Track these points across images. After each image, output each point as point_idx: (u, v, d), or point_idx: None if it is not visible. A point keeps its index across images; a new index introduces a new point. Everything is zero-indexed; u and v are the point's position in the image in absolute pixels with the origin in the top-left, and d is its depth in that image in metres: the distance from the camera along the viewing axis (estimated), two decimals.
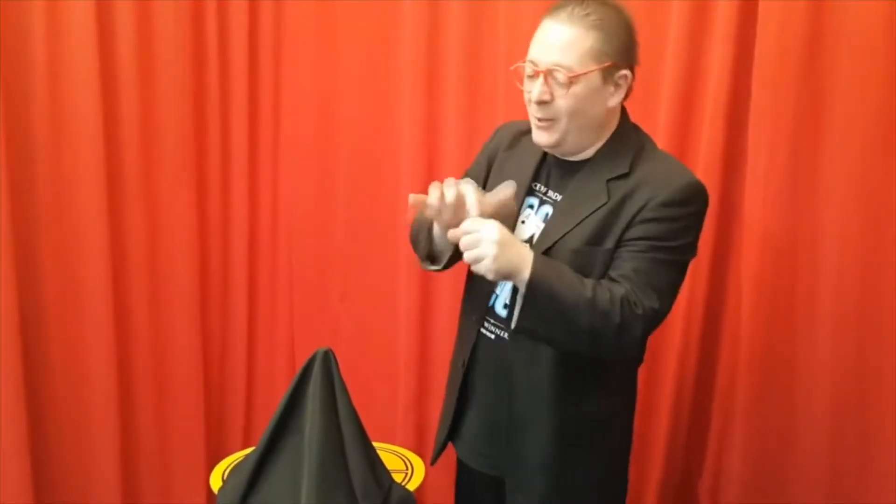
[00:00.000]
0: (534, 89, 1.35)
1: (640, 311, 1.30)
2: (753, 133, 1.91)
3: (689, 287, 2.03)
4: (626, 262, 1.33)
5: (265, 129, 2.51)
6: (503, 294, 1.46)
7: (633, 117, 2.09)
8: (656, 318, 1.36)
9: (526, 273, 1.26)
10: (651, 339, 2.10)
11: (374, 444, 1.66)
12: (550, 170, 1.47)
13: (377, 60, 2.38)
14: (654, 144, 1.49)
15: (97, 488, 2.31)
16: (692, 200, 1.38)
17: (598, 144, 1.42)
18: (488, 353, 1.48)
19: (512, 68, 1.42)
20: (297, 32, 2.46)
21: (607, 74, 1.35)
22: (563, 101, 1.34)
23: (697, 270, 2.03)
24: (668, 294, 1.37)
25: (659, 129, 2.05)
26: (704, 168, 1.99)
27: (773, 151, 1.89)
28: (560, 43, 1.32)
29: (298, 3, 2.44)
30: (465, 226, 1.27)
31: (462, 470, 1.63)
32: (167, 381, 2.42)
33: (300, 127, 2.51)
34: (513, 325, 1.32)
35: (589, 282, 1.31)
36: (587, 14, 1.32)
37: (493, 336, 1.48)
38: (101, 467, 2.30)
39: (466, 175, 1.62)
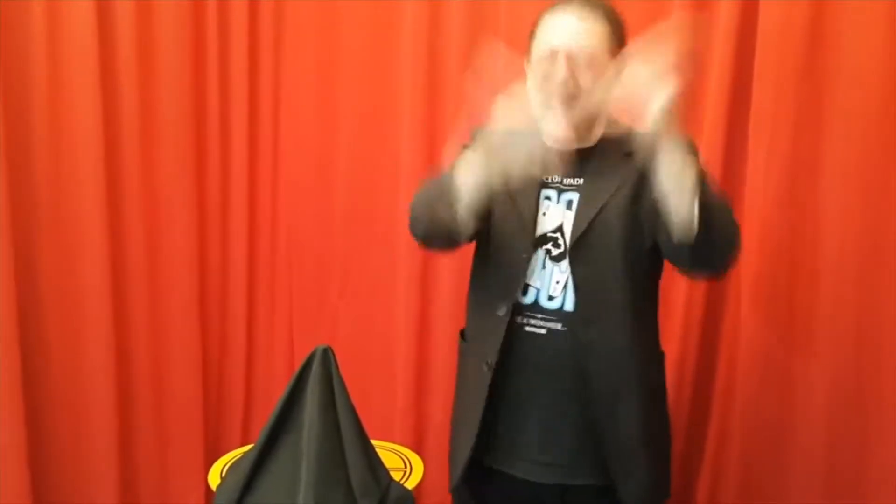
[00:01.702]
0: (558, 68, 1.38)
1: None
2: (754, 132, 1.91)
3: (687, 287, 2.03)
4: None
5: (265, 128, 2.51)
6: (544, 287, 1.44)
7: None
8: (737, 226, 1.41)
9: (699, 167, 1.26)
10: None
11: (373, 441, 1.66)
12: (559, 160, 1.46)
13: (377, 60, 2.38)
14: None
15: (95, 486, 2.31)
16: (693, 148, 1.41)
17: (600, 132, 1.48)
18: (539, 347, 1.44)
19: (533, 59, 1.43)
20: (298, 31, 2.46)
21: (616, 64, 1.40)
22: (584, 80, 1.38)
23: None
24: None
25: None
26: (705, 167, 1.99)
27: (773, 151, 1.89)
28: (581, 30, 1.38)
29: (299, 2, 2.44)
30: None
31: (507, 485, 1.50)
32: (166, 379, 2.42)
33: (300, 125, 2.51)
34: (696, 201, 1.23)
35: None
36: (595, 9, 1.41)
37: (544, 331, 1.44)
38: (99, 465, 2.30)
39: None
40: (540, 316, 1.45)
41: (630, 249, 1.40)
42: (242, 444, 2.41)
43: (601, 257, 1.40)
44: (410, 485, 1.52)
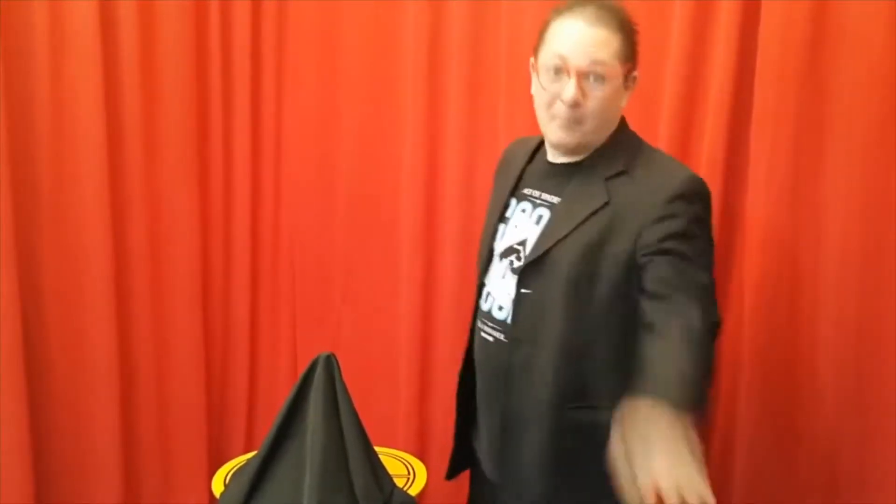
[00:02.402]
0: (566, 89, 1.34)
1: (696, 326, 1.25)
2: (756, 134, 1.90)
3: None
4: (659, 268, 1.29)
5: (267, 131, 2.51)
6: (499, 297, 1.45)
7: (635, 118, 2.09)
8: (712, 324, 1.31)
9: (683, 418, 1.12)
10: None
11: (376, 448, 1.65)
12: (542, 173, 1.47)
13: (379, 61, 2.38)
14: (649, 145, 1.50)
15: (98, 491, 2.30)
16: (696, 196, 1.36)
17: (599, 142, 1.42)
18: (487, 354, 1.48)
19: (541, 64, 1.39)
20: (300, 33, 2.45)
21: (627, 74, 1.38)
22: (593, 102, 1.35)
23: None
24: (710, 280, 1.35)
25: (661, 130, 2.04)
26: (706, 169, 1.98)
27: (775, 153, 1.88)
28: (595, 43, 1.32)
29: (301, 3, 2.43)
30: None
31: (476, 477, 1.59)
32: (169, 384, 2.41)
33: (302, 128, 2.50)
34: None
35: (667, 344, 1.23)
36: (609, 16, 1.34)
37: (491, 339, 1.46)
38: (102, 470, 2.29)
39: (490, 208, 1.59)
40: (490, 324, 1.46)
41: (576, 287, 1.34)
42: (246, 450, 2.40)
43: (546, 285, 1.37)
44: (414, 491, 1.52)
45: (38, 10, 2.07)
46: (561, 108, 1.36)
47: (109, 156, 2.19)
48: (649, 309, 1.27)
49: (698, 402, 1.17)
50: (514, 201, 1.48)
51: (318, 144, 2.50)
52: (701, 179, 1.41)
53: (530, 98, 2.18)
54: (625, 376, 1.31)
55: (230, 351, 2.57)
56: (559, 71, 1.35)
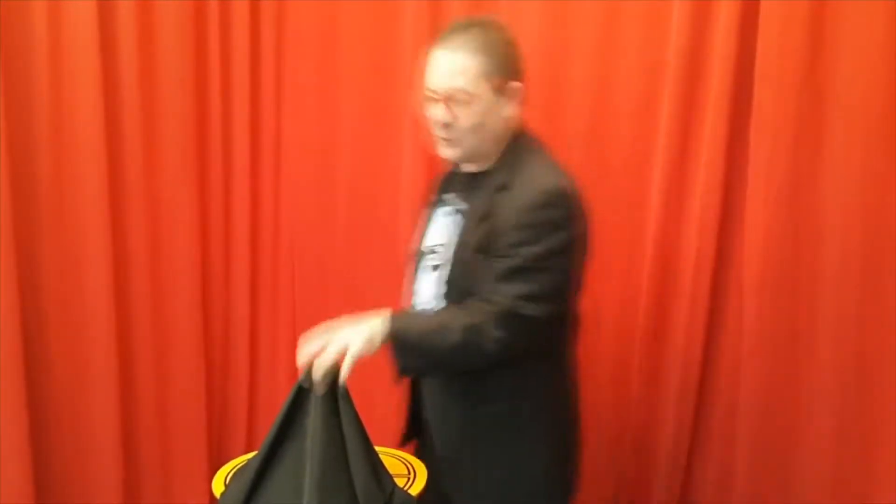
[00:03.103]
0: (437, 113, 1.48)
1: (497, 307, 1.40)
2: (755, 136, 1.91)
3: (690, 291, 2.03)
4: (495, 268, 1.44)
5: (267, 130, 2.50)
6: (424, 295, 1.60)
7: (634, 121, 2.10)
8: (524, 321, 1.41)
9: (383, 327, 1.39)
10: (653, 344, 2.12)
11: (377, 448, 1.65)
12: (457, 180, 1.60)
13: (379, 60, 2.38)
14: (540, 150, 1.57)
15: (98, 492, 2.30)
16: (552, 205, 1.44)
17: (497, 152, 1.53)
18: None
19: (420, 100, 1.52)
20: (299, 32, 2.45)
21: (498, 89, 1.48)
22: (463, 120, 1.47)
23: (699, 274, 2.02)
24: (545, 295, 1.43)
25: (660, 131, 2.05)
26: (706, 171, 1.99)
27: (774, 153, 1.88)
28: (453, 69, 1.45)
29: (300, 3, 2.43)
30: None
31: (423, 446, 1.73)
32: (169, 385, 2.41)
33: (302, 127, 2.50)
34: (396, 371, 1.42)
35: (445, 312, 1.46)
36: (471, 39, 1.45)
37: None
38: (102, 471, 2.30)
39: None
40: None
41: (473, 284, 1.47)
42: (246, 451, 2.40)
43: (458, 287, 1.50)
44: (414, 491, 1.51)
45: (37, 11, 2.07)
46: (438, 129, 1.50)
47: (109, 157, 2.19)
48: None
49: (406, 341, 1.39)
50: (437, 206, 1.63)
51: (318, 145, 2.50)
52: (561, 190, 1.47)
53: (527, 98, 2.19)
54: (527, 370, 1.54)
55: (230, 351, 2.56)
56: (431, 99, 1.49)
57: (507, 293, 1.41)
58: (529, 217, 1.43)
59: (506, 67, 1.49)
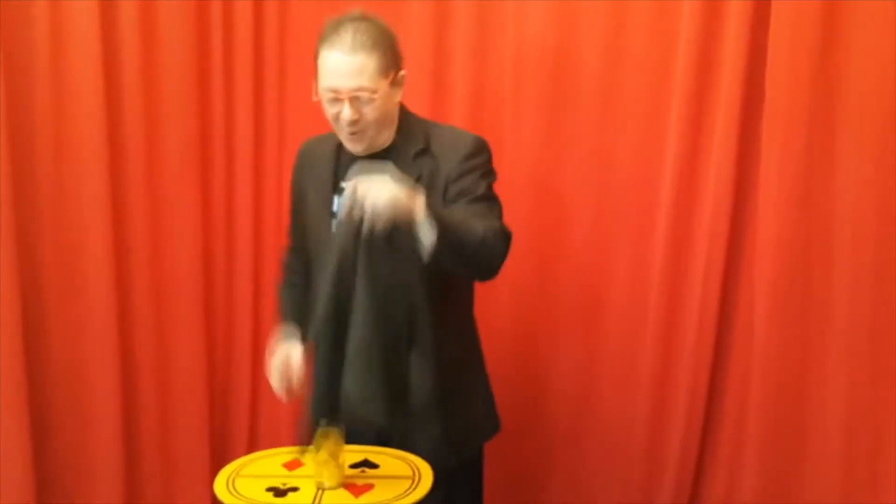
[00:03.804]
0: (342, 112, 1.57)
1: (494, 225, 1.55)
2: (767, 134, 1.89)
3: (701, 289, 2.02)
4: (464, 209, 1.57)
5: (270, 129, 2.49)
6: None
7: (644, 120, 2.09)
8: (508, 240, 1.58)
9: (421, 206, 1.40)
10: (663, 342, 2.11)
11: (379, 449, 1.64)
12: (353, 165, 1.62)
13: None
14: (432, 122, 1.75)
15: (100, 491, 2.30)
16: (481, 151, 1.65)
17: (391, 133, 1.65)
18: None
19: (319, 93, 1.59)
20: (302, 31, 2.43)
21: (392, 81, 1.60)
22: (369, 115, 1.57)
23: (709, 275, 2.01)
24: (501, 220, 1.62)
25: (670, 130, 2.04)
26: (717, 170, 1.97)
27: (786, 152, 1.87)
28: (353, 70, 1.54)
29: (303, 2, 2.42)
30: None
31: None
32: (171, 384, 2.40)
33: (304, 124, 2.48)
34: (429, 247, 1.41)
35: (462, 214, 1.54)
36: (365, 38, 1.55)
37: None
38: (104, 471, 2.29)
39: (292, 218, 1.85)
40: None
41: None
42: (249, 450, 2.39)
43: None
44: (420, 493, 1.50)
45: (39, 9, 2.06)
46: (343, 125, 1.59)
47: (110, 155, 2.18)
48: None
49: (439, 219, 1.41)
50: (335, 197, 1.68)
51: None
52: (481, 137, 1.67)
53: (535, 97, 2.19)
54: (463, 311, 1.77)
55: (232, 350, 2.55)
56: (334, 99, 1.57)
57: (486, 216, 1.56)
58: (471, 163, 1.62)
59: (395, 59, 1.61)
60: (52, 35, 2.08)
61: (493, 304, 2.10)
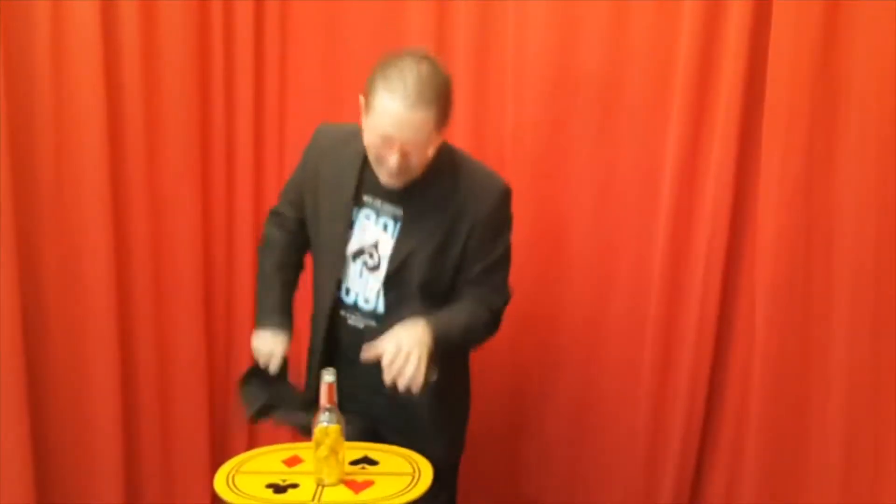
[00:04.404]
0: (389, 159, 1.55)
1: (498, 305, 1.71)
2: (767, 134, 1.89)
3: (702, 289, 2.02)
4: (473, 271, 1.67)
5: (270, 127, 2.49)
6: (361, 292, 1.72)
7: (644, 120, 2.09)
8: (506, 303, 1.73)
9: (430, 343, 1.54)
10: (664, 343, 2.11)
11: (381, 446, 1.65)
12: (374, 183, 1.66)
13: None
14: (457, 151, 1.73)
15: (100, 491, 2.29)
16: (506, 203, 1.70)
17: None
18: (360, 338, 1.66)
19: (368, 126, 1.57)
20: (303, 30, 2.44)
21: (442, 131, 1.59)
22: (414, 162, 1.57)
23: (709, 275, 2.01)
24: (506, 285, 1.75)
25: (671, 130, 2.04)
26: (717, 170, 1.98)
27: (787, 152, 1.87)
28: (412, 125, 1.51)
29: (304, 2, 2.42)
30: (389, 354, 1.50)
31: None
32: (171, 382, 2.40)
33: (305, 124, 2.48)
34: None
35: (462, 311, 1.65)
36: (425, 89, 1.51)
37: (361, 325, 1.73)
38: (104, 469, 2.29)
39: (291, 181, 1.89)
40: (357, 314, 1.74)
41: (429, 285, 1.66)
42: (248, 448, 2.39)
43: (406, 285, 1.67)
44: (419, 491, 1.50)
45: (40, 9, 2.06)
46: (389, 169, 1.57)
47: (111, 153, 2.18)
48: (466, 289, 1.68)
49: (448, 342, 1.58)
50: (356, 209, 1.70)
51: None
52: (506, 187, 1.70)
53: (536, 98, 2.19)
54: None
55: (232, 349, 2.55)
56: (383, 143, 1.55)
57: (494, 290, 1.70)
58: (496, 218, 1.67)
59: (449, 111, 1.59)
60: (52, 36, 2.08)
61: None
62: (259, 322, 1.81)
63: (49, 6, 2.06)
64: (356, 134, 1.65)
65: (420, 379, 1.50)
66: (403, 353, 1.50)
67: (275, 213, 1.93)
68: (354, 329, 1.75)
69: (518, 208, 2.09)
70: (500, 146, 2.23)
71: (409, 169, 1.58)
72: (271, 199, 2.52)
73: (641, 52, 2.07)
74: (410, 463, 1.60)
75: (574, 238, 2.22)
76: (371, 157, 1.62)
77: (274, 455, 1.66)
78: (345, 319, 1.76)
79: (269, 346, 1.78)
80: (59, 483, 2.27)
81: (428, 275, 1.66)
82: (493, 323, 1.71)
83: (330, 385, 1.50)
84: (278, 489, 1.51)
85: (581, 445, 2.32)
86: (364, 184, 1.69)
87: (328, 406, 1.50)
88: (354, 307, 1.75)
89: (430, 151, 1.58)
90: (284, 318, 1.81)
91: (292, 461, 1.63)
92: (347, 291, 1.75)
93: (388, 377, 1.50)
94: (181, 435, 2.43)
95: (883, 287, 1.81)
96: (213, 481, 1.55)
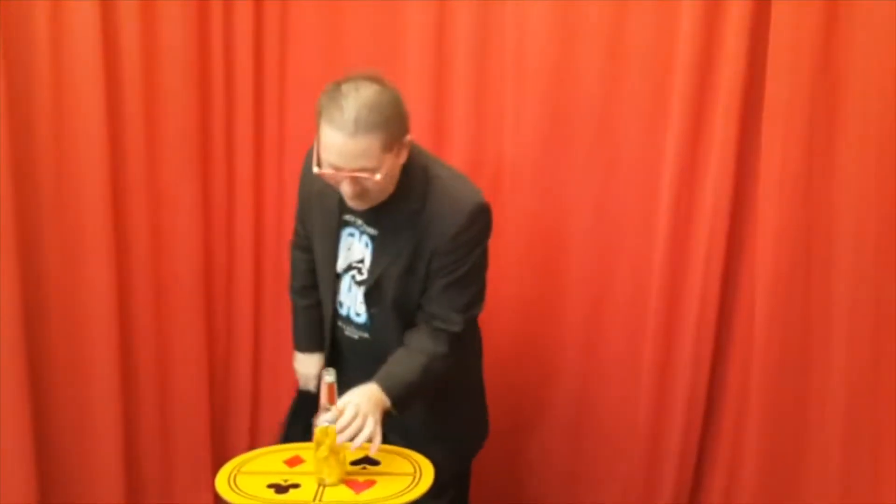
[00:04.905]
0: (343, 187, 1.56)
1: (455, 329, 1.68)
2: (767, 131, 1.90)
3: (701, 288, 2.03)
4: (435, 288, 1.67)
5: (270, 127, 2.49)
6: (352, 305, 1.77)
7: (644, 118, 2.09)
8: (466, 323, 1.71)
9: (388, 404, 1.60)
10: (664, 340, 2.12)
11: (382, 445, 1.65)
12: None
13: (383, 61, 2.36)
14: (435, 167, 1.70)
15: (101, 490, 2.30)
16: (475, 222, 1.64)
17: (392, 187, 1.63)
18: (356, 349, 1.80)
19: (319, 153, 1.55)
20: (302, 30, 2.44)
21: (397, 152, 1.56)
22: (370, 187, 1.55)
23: (709, 272, 2.02)
24: (476, 301, 1.73)
25: (671, 128, 2.04)
26: (718, 166, 1.98)
27: (786, 149, 1.88)
28: (356, 153, 1.49)
29: (304, 2, 2.42)
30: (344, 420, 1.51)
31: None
32: (172, 381, 2.40)
33: (304, 124, 2.48)
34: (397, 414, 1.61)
35: (417, 357, 1.66)
36: (366, 115, 1.47)
37: (356, 337, 1.79)
38: (105, 468, 2.29)
39: (298, 201, 1.90)
40: (352, 327, 1.80)
41: (401, 302, 1.70)
42: (250, 448, 2.40)
43: (383, 300, 1.71)
44: (420, 490, 1.51)
45: (39, 7, 2.06)
46: (345, 193, 1.58)
47: (111, 154, 2.17)
48: (425, 307, 1.69)
49: (402, 403, 1.61)
50: (340, 228, 1.74)
51: None
52: (480, 205, 1.65)
53: (536, 99, 2.19)
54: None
55: (233, 349, 2.55)
56: (335, 170, 1.53)
57: (452, 309, 1.68)
58: (461, 239, 1.63)
59: (400, 130, 1.55)
60: (52, 35, 2.07)
61: (494, 304, 2.11)
62: (295, 347, 1.97)
63: (48, 6, 2.06)
64: None
65: (378, 439, 1.52)
66: (361, 415, 1.51)
67: (294, 234, 1.99)
68: (350, 339, 1.82)
69: (518, 207, 2.10)
70: (499, 146, 2.23)
71: (368, 192, 1.57)
72: (271, 199, 2.54)
73: (641, 50, 2.07)
74: (411, 463, 1.61)
75: (574, 236, 2.23)
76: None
77: (275, 455, 1.66)
78: (342, 330, 1.83)
79: (304, 367, 1.94)
80: (61, 483, 2.27)
81: (398, 292, 1.69)
82: (449, 354, 1.69)
83: (330, 385, 1.51)
84: (280, 489, 1.52)
85: (581, 443, 2.32)
86: (344, 204, 1.68)
87: (328, 406, 1.51)
88: (348, 319, 1.80)
89: (386, 173, 1.54)
90: (311, 342, 1.93)
91: (293, 461, 1.63)
92: (341, 305, 1.80)
93: (345, 437, 1.50)
94: (182, 435, 2.43)
95: (882, 286, 1.81)
96: (215, 481, 1.55)
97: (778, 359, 1.94)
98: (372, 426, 1.51)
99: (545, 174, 2.21)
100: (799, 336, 1.92)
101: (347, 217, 1.73)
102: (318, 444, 1.51)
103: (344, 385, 1.58)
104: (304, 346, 1.95)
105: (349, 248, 1.75)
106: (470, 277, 1.69)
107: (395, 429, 1.67)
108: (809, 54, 1.82)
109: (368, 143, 1.48)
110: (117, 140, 2.20)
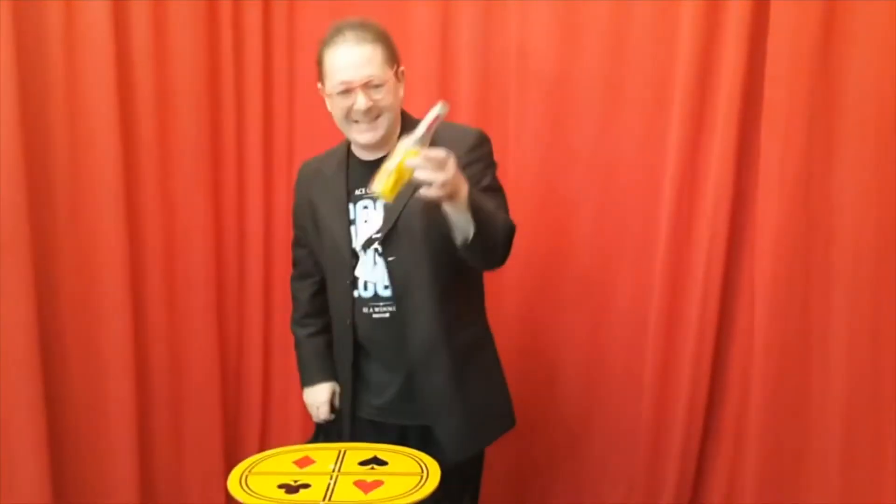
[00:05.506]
0: (356, 103, 1.62)
1: (508, 221, 1.64)
2: (766, 133, 1.90)
3: (702, 289, 2.03)
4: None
5: (280, 132, 2.51)
6: (379, 280, 1.72)
7: (645, 121, 2.10)
8: (512, 228, 1.65)
9: (466, 192, 1.49)
10: (665, 342, 2.12)
11: (388, 447, 1.66)
12: (363, 174, 1.70)
13: None
14: None
15: (115, 491, 2.32)
16: (483, 142, 1.71)
17: (397, 134, 1.69)
18: (385, 328, 1.74)
19: (328, 91, 1.64)
20: (311, 31, 2.45)
21: (395, 73, 1.67)
22: (382, 101, 1.63)
23: (710, 274, 2.02)
24: (508, 214, 1.70)
25: (672, 130, 2.05)
26: (718, 169, 1.98)
27: (786, 153, 1.88)
28: (362, 60, 1.61)
29: (311, 4, 2.44)
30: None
31: (363, 428, 1.83)
32: (184, 384, 2.43)
33: (314, 129, 2.51)
34: (471, 232, 1.51)
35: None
36: (367, 32, 1.63)
37: (387, 315, 1.74)
38: (118, 470, 2.31)
39: (293, 225, 1.94)
40: (381, 304, 1.74)
41: (431, 238, 1.64)
42: (261, 449, 2.42)
43: (409, 247, 1.67)
44: (427, 490, 1.52)
45: (52, 11, 2.08)
46: (359, 115, 1.64)
47: (124, 160, 2.20)
48: None
49: (474, 206, 1.49)
50: (352, 206, 1.74)
51: (330, 145, 2.50)
52: (482, 130, 1.73)
53: (539, 99, 2.20)
54: (476, 302, 1.82)
55: (245, 351, 2.57)
56: (346, 91, 1.62)
57: (499, 206, 1.64)
58: (476, 153, 1.67)
59: (396, 54, 1.67)
60: (65, 38, 2.09)
61: (497, 304, 2.12)
62: (302, 384, 1.95)
63: (60, 8, 2.09)
64: (333, 150, 1.79)
65: (438, 189, 1.42)
66: (448, 163, 1.43)
67: (293, 266, 2.01)
68: (381, 321, 1.76)
69: (519, 207, 2.09)
70: (502, 147, 2.24)
71: (380, 110, 1.64)
72: (281, 201, 2.55)
73: (642, 51, 2.08)
74: (419, 463, 1.62)
75: (576, 237, 2.24)
76: (341, 122, 1.67)
77: (286, 456, 1.68)
78: (369, 315, 1.77)
79: (313, 398, 1.92)
80: (75, 483, 2.29)
81: (427, 223, 1.65)
82: (509, 229, 1.63)
83: (438, 117, 1.48)
84: (290, 489, 1.53)
85: (584, 444, 2.33)
86: (351, 181, 1.74)
87: (422, 135, 1.47)
88: (376, 298, 1.75)
89: (392, 92, 1.64)
90: (317, 372, 1.93)
91: (303, 462, 1.65)
92: (365, 286, 1.76)
93: (422, 165, 1.42)
94: (195, 436, 2.45)
95: (882, 285, 1.81)
96: (227, 482, 1.57)
97: (778, 359, 1.94)
98: (447, 176, 1.42)
99: (546, 174, 2.22)
100: (799, 336, 1.92)
101: (358, 192, 1.75)
102: (392, 157, 1.46)
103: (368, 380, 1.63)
104: (311, 379, 1.93)
105: (366, 221, 1.74)
106: (497, 191, 1.70)
107: (415, 401, 1.71)
108: (809, 56, 1.83)
109: (372, 51, 1.62)
110: (130, 147, 2.23)
